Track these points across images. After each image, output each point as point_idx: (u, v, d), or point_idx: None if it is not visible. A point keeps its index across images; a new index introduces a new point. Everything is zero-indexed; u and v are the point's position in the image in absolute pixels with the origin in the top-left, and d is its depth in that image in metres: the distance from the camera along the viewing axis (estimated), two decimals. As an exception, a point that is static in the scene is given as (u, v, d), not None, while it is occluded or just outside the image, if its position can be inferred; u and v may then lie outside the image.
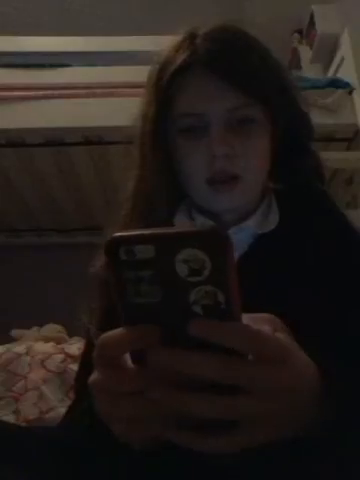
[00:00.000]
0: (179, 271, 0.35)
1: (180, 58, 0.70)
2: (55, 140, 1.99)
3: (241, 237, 0.72)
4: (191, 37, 0.72)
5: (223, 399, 0.37)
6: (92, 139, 1.99)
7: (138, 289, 0.35)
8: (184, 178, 0.73)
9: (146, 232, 0.35)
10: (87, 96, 1.91)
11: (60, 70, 2.04)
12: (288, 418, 0.40)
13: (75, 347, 1.74)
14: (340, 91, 1.93)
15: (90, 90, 1.93)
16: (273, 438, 0.40)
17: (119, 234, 0.35)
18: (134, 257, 0.35)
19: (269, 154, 0.73)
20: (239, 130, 0.69)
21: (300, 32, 2.59)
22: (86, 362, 0.78)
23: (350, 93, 1.95)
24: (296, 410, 0.41)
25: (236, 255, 0.71)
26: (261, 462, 0.48)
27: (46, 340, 1.92)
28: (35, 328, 2.15)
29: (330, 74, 2.23)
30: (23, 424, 1.52)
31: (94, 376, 0.40)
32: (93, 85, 1.95)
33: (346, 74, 2.04)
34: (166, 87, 0.71)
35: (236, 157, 0.68)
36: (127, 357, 0.38)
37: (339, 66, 2.15)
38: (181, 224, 0.73)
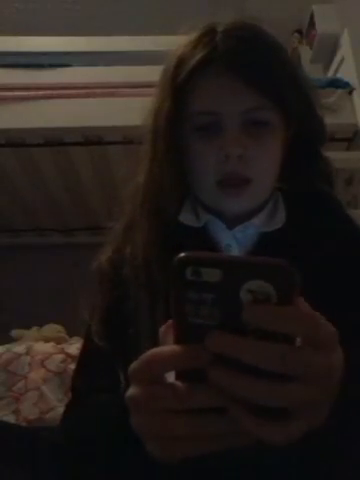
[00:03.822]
0: (243, 299, 0.34)
1: (199, 55, 0.68)
2: (55, 140, 1.98)
3: (246, 235, 0.72)
4: (210, 33, 0.70)
5: (278, 385, 0.34)
6: (92, 139, 1.98)
7: (198, 310, 0.35)
8: (194, 177, 0.72)
9: (216, 256, 0.35)
10: (87, 96, 1.91)
11: (60, 70, 2.04)
12: (326, 405, 0.38)
13: (75, 347, 1.74)
14: (340, 91, 1.93)
15: (90, 90, 1.93)
16: (315, 426, 0.38)
17: (188, 253, 0.35)
18: (200, 278, 0.34)
19: (280, 156, 0.72)
20: (254, 132, 0.68)
21: (300, 32, 2.58)
22: (85, 361, 0.78)
23: (350, 93, 1.95)
24: (329, 398, 0.38)
25: (240, 253, 0.71)
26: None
27: (46, 340, 1.92)
28: (35, 328, 2.16)
29: (330, 74, 2.23)
30: (23, 424, 1.52)
31: (133, 391, 0.38)
32: (93, 85, 1.95)
33: (346, 74, 2.04)
34: (183, 83, 0.69)
35: (249, 159, 0.67)
36: (168, 375, 0.37)
37: (339, 66, 2.15)
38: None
